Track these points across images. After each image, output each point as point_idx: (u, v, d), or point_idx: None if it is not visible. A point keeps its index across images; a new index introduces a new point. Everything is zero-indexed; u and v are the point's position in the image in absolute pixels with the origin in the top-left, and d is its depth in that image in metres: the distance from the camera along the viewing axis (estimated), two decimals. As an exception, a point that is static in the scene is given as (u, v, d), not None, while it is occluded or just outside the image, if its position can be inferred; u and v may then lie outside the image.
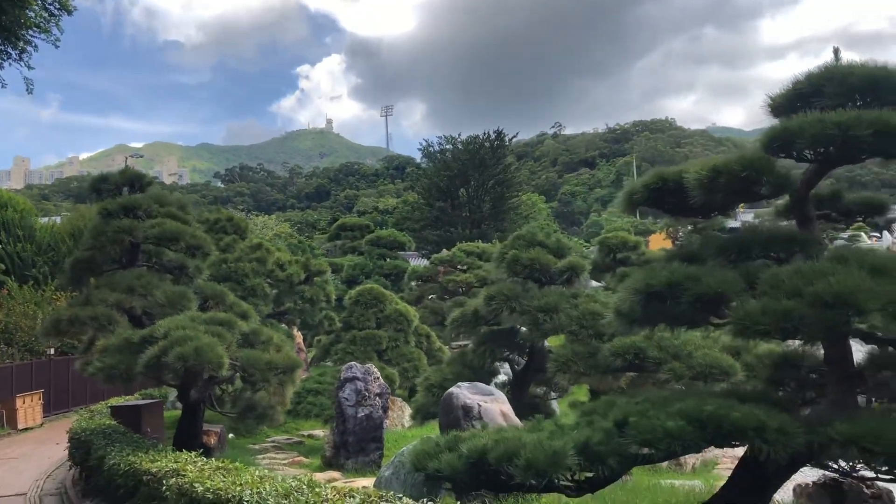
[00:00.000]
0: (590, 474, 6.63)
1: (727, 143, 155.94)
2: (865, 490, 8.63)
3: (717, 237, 7.27)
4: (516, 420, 10.05)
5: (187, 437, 12.74)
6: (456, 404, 10.13)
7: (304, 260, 22.54)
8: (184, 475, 8.11)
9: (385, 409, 14.58)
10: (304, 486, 6.63)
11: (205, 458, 9.14)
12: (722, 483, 9.99)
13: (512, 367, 14.72)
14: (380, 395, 14.50)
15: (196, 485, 7.47)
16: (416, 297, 30.62)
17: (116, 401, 18.61)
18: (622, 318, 7.58)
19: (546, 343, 14.31)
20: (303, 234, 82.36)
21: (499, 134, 74.12)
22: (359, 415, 13.98)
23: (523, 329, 13.52)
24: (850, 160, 6.97)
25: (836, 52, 7.21)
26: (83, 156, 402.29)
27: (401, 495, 5.81)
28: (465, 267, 30.82)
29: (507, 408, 10.27)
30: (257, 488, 6.78)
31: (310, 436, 19.39)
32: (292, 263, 21.08)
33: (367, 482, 10.75)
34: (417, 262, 43.24)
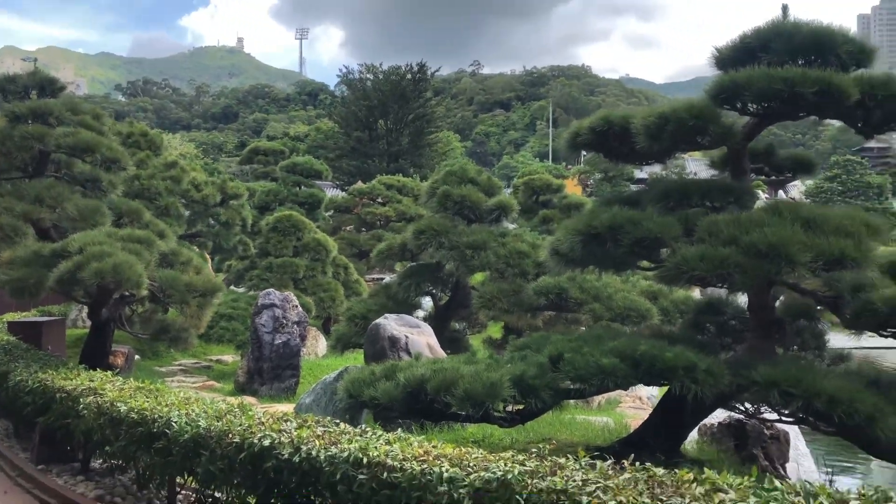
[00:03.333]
0: (521, 406, 6.82)
1: (640, 94, 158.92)
2: (766, 431, 9.14)
3: (660, 182, 7.42)
4: (442, 353, 10.17)
5: (96, 356, 12.26)
6: (383, 335, 10.13)
7: (220, 182, 21.81)
8: (102, 394, 7.83)
9: (303, 338, 14.48)
10: (236, 409, 6.51)
11: (121, 378, 8.84)
12: (629, 420, 10.48)
13: (435, 302, 14.82)
14: (298, 322, 14.38)
15: (118, 404, 7.21)
16: (332, 227, 30.22)
17: (12, 317, 17.71)
18: (559, 258, 7.71)
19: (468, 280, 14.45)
20: (208, 156, 79.74)
21: (421, 67, 73.07)
22: (276, 342, 13.84)
23: (448, 265, 13.59)
24: (790, 116, 7.20)
25: (785, 8, 7.33)
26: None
27: (337, 421, 5.78)
28: (384, 200, 30.60)
29: (434, 340, 10.36)
30: (185, 409, 6.61)
31: (218, 361, 19.09)
32: (208, 184, 20.37)
33: (285, 408, 10.67)
34: (332, 193, 42.58)
